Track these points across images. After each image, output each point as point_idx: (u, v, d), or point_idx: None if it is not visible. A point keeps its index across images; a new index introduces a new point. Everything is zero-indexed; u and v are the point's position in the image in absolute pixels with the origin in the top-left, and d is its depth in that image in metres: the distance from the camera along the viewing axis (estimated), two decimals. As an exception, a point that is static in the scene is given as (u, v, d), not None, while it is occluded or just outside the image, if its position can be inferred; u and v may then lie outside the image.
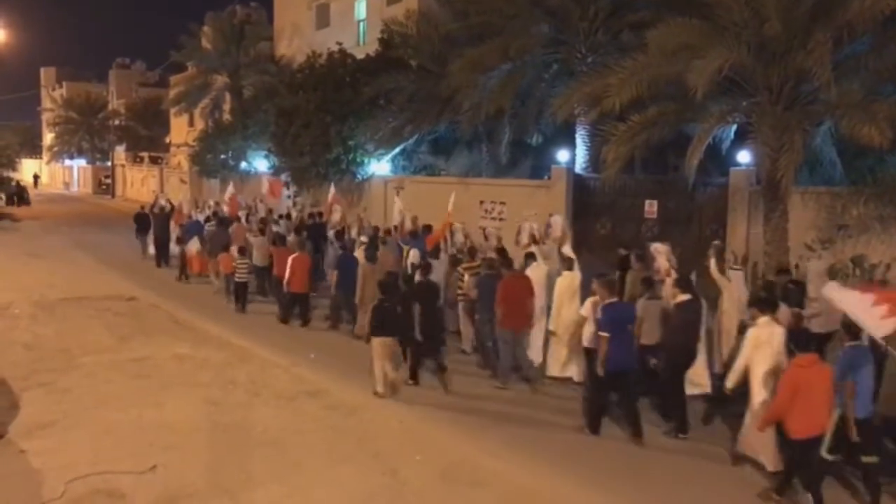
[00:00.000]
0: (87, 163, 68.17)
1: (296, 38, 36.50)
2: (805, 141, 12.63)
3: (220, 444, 8.96)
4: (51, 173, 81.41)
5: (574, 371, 11.34)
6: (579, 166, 18.88)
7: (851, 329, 7.65)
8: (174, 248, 21.71)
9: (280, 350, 13.12)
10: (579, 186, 18.58)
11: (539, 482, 8.12)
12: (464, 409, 10.32)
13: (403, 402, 10.51)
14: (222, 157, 34.37)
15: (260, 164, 31.41)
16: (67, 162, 72.13)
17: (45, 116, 78.83)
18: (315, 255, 16.60)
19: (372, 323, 10.77)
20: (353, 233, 17.21)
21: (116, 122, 63.96)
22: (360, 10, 32.45)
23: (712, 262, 10.79)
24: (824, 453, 7.53)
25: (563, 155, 18.87)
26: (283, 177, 27.54)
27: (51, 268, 21.89)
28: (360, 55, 25.55)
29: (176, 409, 10.05)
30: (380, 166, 24.10)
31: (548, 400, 10.80)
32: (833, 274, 11.34)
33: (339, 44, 26.31)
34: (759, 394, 8.22)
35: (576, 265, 11.62)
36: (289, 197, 27.65)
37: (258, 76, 35.95)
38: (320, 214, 20.40)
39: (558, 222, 14.13)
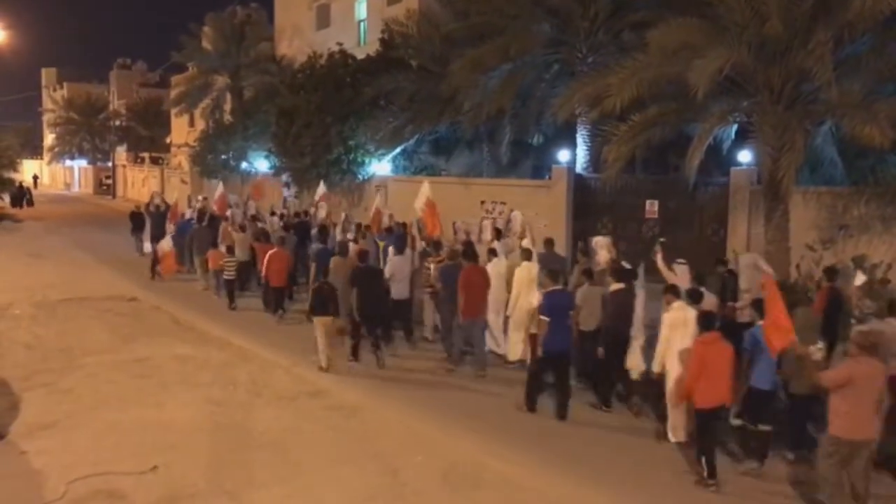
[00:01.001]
0: (88, 163, 68.14)
1: (296, 39, 36.50)
2: (806, 140, 12.63)
3: (222, 445, 8.96)
4: (52, 174, 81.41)
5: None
6: (580, 166, 18.88)
7: (762, 309, 8.38)
8: (148, 246, 22.10)
9: (281, 350, 13.11)
10: (580, 186, 18.58)
11: (542, 483, 8.11)
12: (464, 410, 10.32)
13: (404, 403, 10.50)
14: (223, 157, 34.36)
15: (261, 164, 31.41)
16: (68, 162, 72.09)
17: (46, 117, 78.79)
18: (300, 250, 16.91)
19: (312, 304, 11.97)
20: (338, 231, 17.48)
21: (117, 122, 63.94)
22: (361, 11, 32.46)
23: (659, 257, 11.54)
24: (732, 419, 8.49)
25: (563, 155, 18.88)
26: (284, 177, 27.56)
27: (52, 268, 21.90)
28: (360, 55, 25.57)
29: (177, 410, 10.05)
30: (381, 166, 24.11)
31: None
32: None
33: (340, 44, 26.33)
34: (675, 370, 8.86)
35: (534, 256, 12.25)
36: (289, 197, 27.66)
37: (259, 76, 35.93)
38: (306, 213, 20.84)
39: (517, 218, 15.27)
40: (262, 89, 34.03)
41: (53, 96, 75.18)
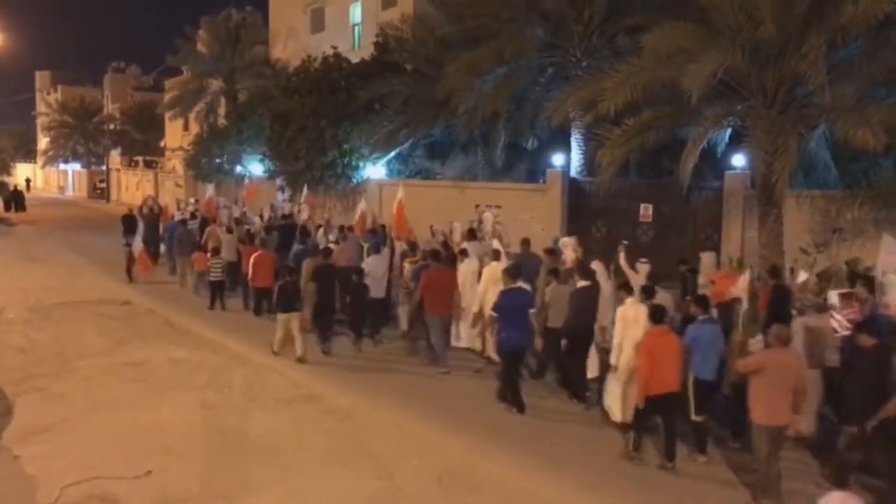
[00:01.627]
0: (82, 167, 67.96)
1: (291, 42, 36.50)
2: (800, 144, 12.66)
3: (216, 449, 8.94)
4: (45, 177, 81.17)
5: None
6: (574, 170, 18.91)
7: (703, 304, 9.10)
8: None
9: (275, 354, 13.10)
10: (574, 190, 18.61)
11: (537, 486, 8.11)
12: (457, 412, 10.31)
13: (398, 406, 10.49)
14: (217, 161, 34.29)
15: (255, 168, 31.39)
16: (62, 166, 71.86)
17: (40, 120, 78.45)
18: (283, 252, 17.02)
19: (277, 301, 13.05)
20: (320, 233, 17.89)
21: (111, 126, 63.77)
22: (356, 14, 32.46)
23: (622, 257, 12.14)
24: (693, 416, 8.79)
25: (558, 158, 18.90)
26: (279, 181, 27.53)
27: (46, 272, 21.84)
28: (355, 59, 25.55)
29: (171, 414, 10.03)
30: (375, 170, 24.10)
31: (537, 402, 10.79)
32: (828, 277, 11.43)
33: (335, 48, 26.30)
34: (629, 361, 9.21)
35: (503, 256, 12.73)
36: (285, 200, 27.64)
37: (253, 80, 35.92)
38: (290, 216, 21.15)
39: (489, 219, 16.15)
40: (256, 93, 34.00)
41: (47, 99, 74.94)
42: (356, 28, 32.38)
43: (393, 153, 23.27)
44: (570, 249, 12.77)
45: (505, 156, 21.13)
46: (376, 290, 13.91)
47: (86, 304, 17.06)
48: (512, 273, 10.87)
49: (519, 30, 18.32)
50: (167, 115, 46.55)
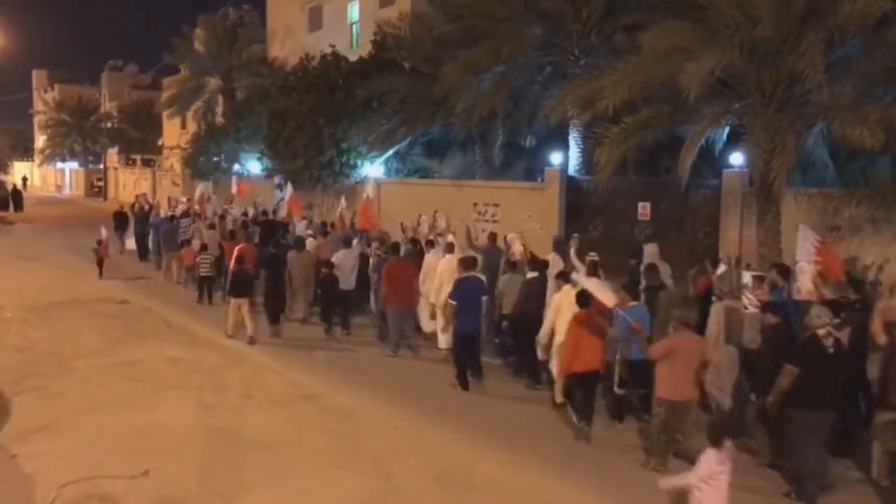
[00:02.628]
0: (80, 165, 67.89)
1: (288, 41, 36.45)
2: (797, 143, 12.67)
3: (214, 449, 8.93)
4: (43, 176, 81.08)
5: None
6: (572, 168, 18.90)
7: (631, 292, 10.11)
8: (130, 243, 23.68)
9: (273, 353, 13.10)
10: (572, 188, 18.59)
11: (535, 486, 8.11)
12: (454, 411, 10.33)
13: (396, 405, 10.49)
14: (215, 159, 34.29)
15: (253, 166, 31.37)
16: (59, 164, 71.81)
17: (37, 119, 78.48)
18: (262, 246, 17.60)
19: (231, 286, 14.25)
20: (302, 226, 18.89)
21: (108, 124, 63.74)
22: (353, 13, 32.41)
23: (573, 250, 13.22)
24: (616, 389, 9.82)
25: (556, 157, 18.88)
26: (276, 179, 27.52)
27: (43, 271, 21.81)
28: (353, 57, 25.52)
29: (169, 413, 10.02)
30: (373, 168, 24.09)
31: (536, 410, 10.78)
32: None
33: (332, 46, 26.25)
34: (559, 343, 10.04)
35: (456, 249, 13.42)
36: (282, 199, 27.61)
37: (251, 78, 35.91)
38: (273, 212, 22.68)
39: (442, 217, 17.20)
40: (254, 91, 33.98)
41: (44, 98, 74.93)
42: (354, 26, 32.33)
43: (391, 151, 23.24)
44: (518, 243, 13.67)
45: (503, 154, 21.13)
46: (346, 283, 14.67)
47: (83, 304, 17.04)
48: (466, 263, 11.71)
49: (517, 28, 18.30)
50: (165, 113, 46.55)
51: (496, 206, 19.81)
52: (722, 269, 11.23)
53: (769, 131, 12.46)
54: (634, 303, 9.97)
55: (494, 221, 19.32)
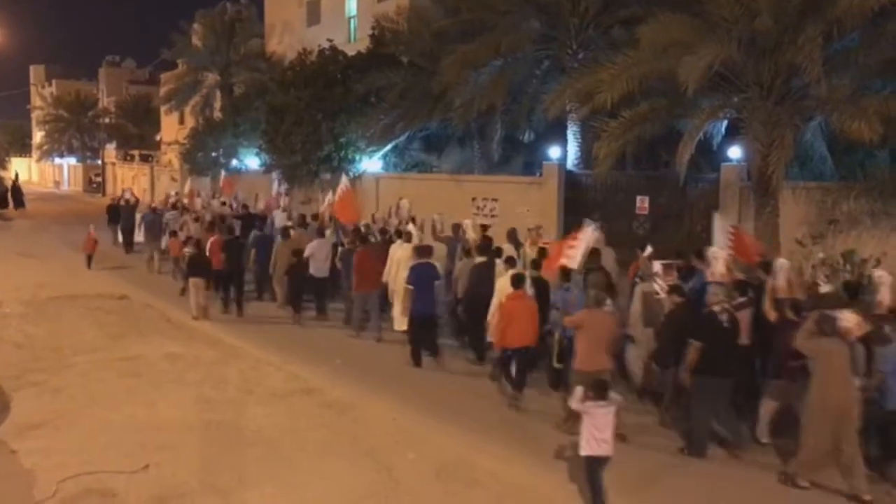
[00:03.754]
0: (78, 161, 67.84)
1: (286, 35, 36.40)
2: (796, 136, 12.68)
3: (213, 443, 8.95)
4: (41, 172, 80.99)
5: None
6: (571, 163, 18.89)
7: (565, 276, 10.80)
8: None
9: (272, 348, 13.11)
10: (571, 183, 18.59)
11: (534, 480, 8.13)
12: (452, 405, 10.34)
13: (395, 399, 10.51)
14: (213, 154, 34.26)
15: (251, 161, 31.35)
16: (57, 160, 71.76)
17: (35, 115, 78.38)
18: (244, 238, 17.99)
19: (188, 268, 15.49)
20: (283, 218, 19.83)
21: (106, 120, 63.70)
22: (351, 7, 32.36)
23: (507, 242, 13.86)
24: (554, 364, 10.47)
25: (554, 151, 18.88)
26: (275, 174, 27.51)
27: (42, 266, 21.80)
28: (351, 52, 25.50)
29: (168, 408, 10.03)
30: (372, 163, 24.08)
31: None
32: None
33: (330, 41, 26.24)
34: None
35: (414, 238, 14.18)
36: (281, 194, 27.61)
37: (249, 73, 35.88)
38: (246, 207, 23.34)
39: (405, 206, 17.85)
40: (252, 86, 33.96)
41: (42, 94, 74.82)
42: (352, 21, 32.28)
43: (389, 146, 23.23)
44: (470, 230, 14.69)
45: (501, 149, 21.12)
46: (320, 271, 15.25)
47: (82, 299, 17.03)
48: (419, 251, 12.69)
49: (515, 22, 18.28)
50: (163, 108, 46.49)
51: (495, 200, 19.81)
52: (648, 251, 11.82)
53: (767, 125, 12.47)
54: (568, 284, 10.71)
55: (493, 216, 19.33)
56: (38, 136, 76.05)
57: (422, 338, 12.22)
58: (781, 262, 10.32)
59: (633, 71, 13.35)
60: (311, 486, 7.85)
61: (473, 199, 20.25)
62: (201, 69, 38.41)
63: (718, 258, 10.96)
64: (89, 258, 21.64)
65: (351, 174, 24.53)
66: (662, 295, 10.10)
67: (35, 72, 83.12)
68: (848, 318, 7.94)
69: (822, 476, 7.99)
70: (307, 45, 26.83)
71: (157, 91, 51.58)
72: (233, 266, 15.65)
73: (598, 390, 7.29)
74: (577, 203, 18.44)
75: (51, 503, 7.38)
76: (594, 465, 7.28)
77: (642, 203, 17.28)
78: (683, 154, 13.02)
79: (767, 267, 10.45)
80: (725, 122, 14.36)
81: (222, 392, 10.80)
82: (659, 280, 10.61)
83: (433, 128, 22.75)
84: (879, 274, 9.86)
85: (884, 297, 9.45)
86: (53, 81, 76.95)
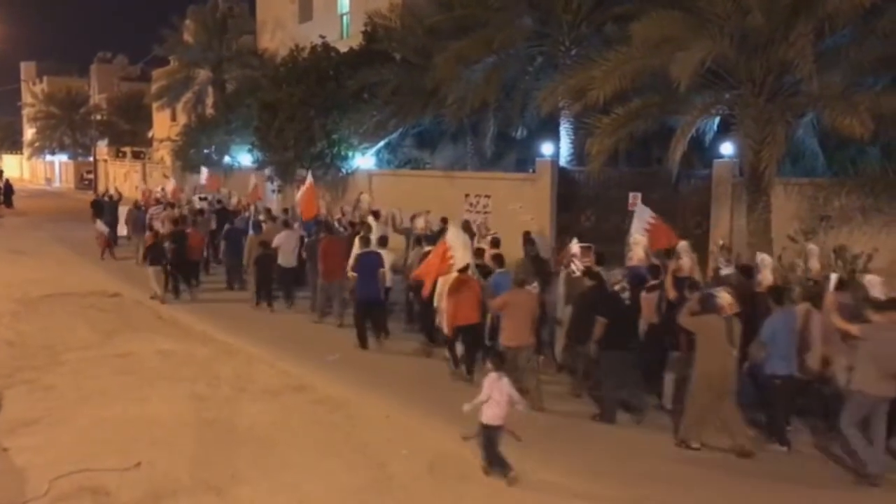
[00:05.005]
0: (69, 158, 67.54)
1: (279, 32, 36.30)
2: (787, 132, 12.73)
3: (206, 440, 8.93)
4: (32, 169, 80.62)
5: None
6: (564, 159, 18.91)
7: (499, 261, 11.57)
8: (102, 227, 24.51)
9: (265, 344, 13.09)
10: (564, 179, 18.62)
11: (525, 474, 8.14)
12: (443, 401, 10.28)
13: (387, 395, 10.50)
14: (205, 151, 34.17)
15: (244, 158, 31.28)
16: (49, 157, 71.43)
17: (26, 112, 77.80)
18: (218, 232, 19.57)
19: (145, 255, 16.82)
20: (251, 211, 20.58)
21: (98, 116, 63.33)
22: (343, 3, 32.28)
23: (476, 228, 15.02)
24: (486, 341, 10.99)
25: (547, 148, 18.90)
26: (268, 171, 27.46)
27: (33, 264, 21.71)
28: (343, 48, 25.45)
29: (161, 405, 10.01)
30: (364, 160, 24.05)
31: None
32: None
33: (323, 37, 26.19)
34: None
35: (374, 230, 15.02)
36: (273, 191, 27.60)
37: (241, 70, 35.76)
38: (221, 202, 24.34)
39: (365, 199, 18.89)
40: (244, 83, 33.86)
41: (33, 90, 74.32)
42: (344, 17, 32.21)
43: (382, 143, 23.24)
44: (421, 220, 15.43)
45: (494, 145, 21.12)
46: (288, 261, 15.99)
47: (74, 296, 16.98)
48: (364, 241, 13.61)
49: (508, 19, 18.28)
50: (155, 105, 46.34)
51: (488, 197, 19.83)
52: (575, 244, 12.48)
53: (759, 121, 12.51)
54: (501, 269, 11.41)
55: (486, 213, 19.35)
56: (29, 133, 75.61)
57: (368, 321, 13.09)
58: (683, 245, 11.37)
59: (625, 67, 13.38)
60: (305, 483, 7.84)
61: (466, 195, 20.26)
62: (193, 65, 38.28)
63: (638, 244, 12.07)
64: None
65: (344, 171, 24.56)
66: (578, 274, 11.02)
67: (26, 68, 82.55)
68: (723, 297, 8.73)
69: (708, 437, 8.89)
70: (299, 42, 26.76)
71: (149, 88, 51.32)
72: (180, 255, 16.89)
73: (496, 361, 8.04)
74: (569, 199, 18.49)
75: (43, 501, 7.35)
76: (490, 432, 7.86)
77: (635, 199, 17.31)
78: (676, 150, 13.06)
79: (670, 253, 11.45)
80: (718, 119, 14.39)
81: (215, 389, 10.78)
82: (576, 261, 11.49)
83: (426, 124, 22.75)
84: (762, 257, 10.77)
85: (765, 277, 10.27)
86: (44, 78, 76.38)
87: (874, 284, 9.52)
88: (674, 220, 16.35)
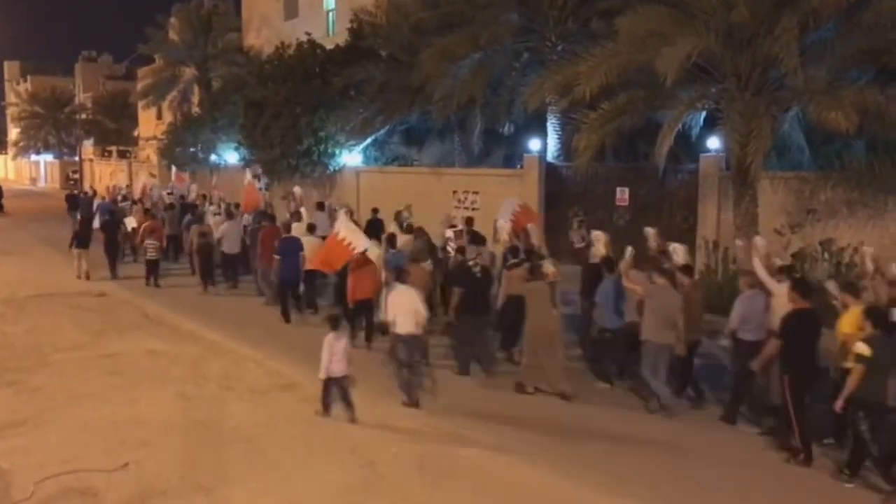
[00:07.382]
0: (55, 158, 67.11)
1: (264, 29, 36.20)
2: (773, 127, 12.78)
3: (195, 440, 8.89)
4: (17, 169, 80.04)
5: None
6: (551, 155, 18.94)
7: (391, 242, 13.05)
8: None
9: (253, 343, 13.03)
10: (552, 175, 18.65)
11: (514, 471, 8.15)
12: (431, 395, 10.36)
13: (374, 393, 10.47)
14: (192, 149, 34.03)
15: (230, 156, 31.15)
16: (34, 157, 70.96)
17: (10, 111, 77.28)
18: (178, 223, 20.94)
19: (74, 239, 18.82)
20: (207, 206, 21.80)
21: (83, 116, 63.00)
22: (329, 0, 32.21)
23: (394, 227, 15.63)
24: (381, 318, 11.45)
25: (534, 144, 18.92)
26: (250, 170, 27.35)
27: (19, 264, 21.55)
28: (329, 45, 25.39)
29: (149, 406, 9.95)
30: (351, 157, 24.00)
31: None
32: (803, 258, 11.75)
33: (308, 34, 26.09)
34: None
35: (304, 218, 16.57)
36: (261, 189, 27.46)
37: (227, 68, 35.61)
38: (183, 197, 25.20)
39: (297, 191, 19.81)
40: (230, 81, 33.71)
41: (17, 90, 73.84)
42: (330, 14, 32.14)
43: (369, 140, 23.21)
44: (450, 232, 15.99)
45: (482, 142, 21.13)
46: (232, 248, 17.38)
47: (61, 297, 16.87)
48: (284, 227, 15.41)
49: (494, 15, 18.28)
50: (140, 104, 46.10)
51: (475, 193, 19.84)
52: (448, 230, 14.27)
53: (745, 115, 12.55)
54: (394, 250, 12.83)
55: (474, 209, 19.35)
56: (13, 132, 75.06)
57: (287, 298, 14.57)
58: (531, 228, 13.52)
59: (611, 63, 13.40)
60: (294, 482, 7.82)
61: (454, 192, 20.27)
62: (178, 64, 38.09)
63: (503, 229, 13.78)
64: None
65: (331, 168, 24.50)
66: (452, 253, 13.08)
67: (9, 68, 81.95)
68: (547, 267, 10.63)
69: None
70: (285, 39, 26.66)
71: (134, 86, 50.99)
72: (111, 239, 19.19)
73: (331, 323, 9.32)
74: (557, 195, 18.51)
75: (29, 503, 7.30)
76: (330, 384, 9.30)
77: (622, 194, 17.36)
78: (662, 145, 13.09)
79: (527, 233, 13.33)
80: (704, 114, 14.44)
81: (203, 389, 10.73)
82: (451, 242, 13.58)
83: (413, 121, 22.74)
84: (596, 234, 12.02)
85: (598, 250, 11.65)
86: (28, 77, 75.87)
87: (678, 252, 10.93)
88: (661, 214, 16.45)
